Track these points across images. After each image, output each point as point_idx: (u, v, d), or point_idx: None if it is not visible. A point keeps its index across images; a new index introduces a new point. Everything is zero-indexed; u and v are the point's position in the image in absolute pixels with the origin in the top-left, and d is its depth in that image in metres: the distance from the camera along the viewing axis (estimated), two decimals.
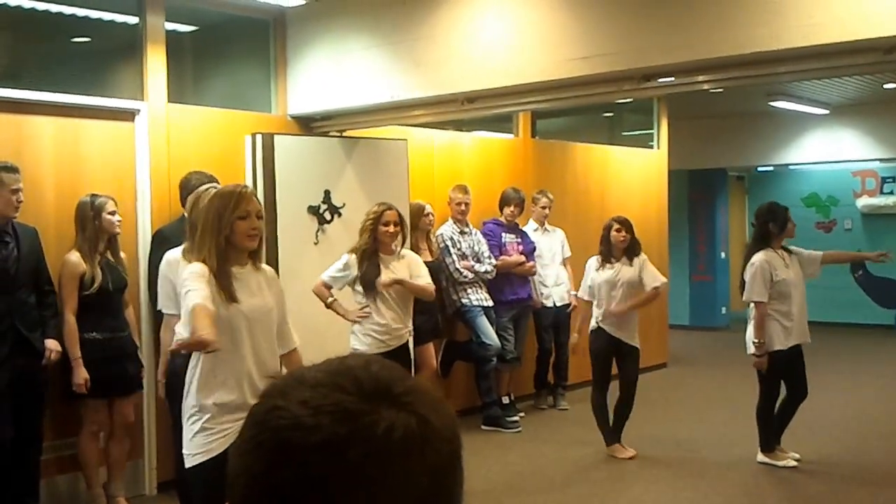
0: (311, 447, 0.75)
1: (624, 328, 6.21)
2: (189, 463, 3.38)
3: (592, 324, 6.26)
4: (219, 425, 3.31)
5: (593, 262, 6.28)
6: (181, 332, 3.29)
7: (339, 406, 0.77)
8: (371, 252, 5.27)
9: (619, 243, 6.18)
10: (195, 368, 3.37)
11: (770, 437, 6.01)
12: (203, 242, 3.38)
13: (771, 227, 5.96)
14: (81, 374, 4.88)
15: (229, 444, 3.16)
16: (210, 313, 3.17)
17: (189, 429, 3.39)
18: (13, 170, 4.67)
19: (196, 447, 3.34)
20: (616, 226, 6.19)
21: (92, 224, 4.95)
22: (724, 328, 12.79)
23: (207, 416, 3.32)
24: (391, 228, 5.25)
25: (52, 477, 5.13)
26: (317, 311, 5.37)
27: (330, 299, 5.33)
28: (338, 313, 5.35)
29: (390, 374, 0.82)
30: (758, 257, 5.88)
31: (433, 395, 0.83)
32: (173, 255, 4.26)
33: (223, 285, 3.35)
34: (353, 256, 5.30)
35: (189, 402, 3.39)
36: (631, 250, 6.21)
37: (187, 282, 3.29)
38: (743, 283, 5.98)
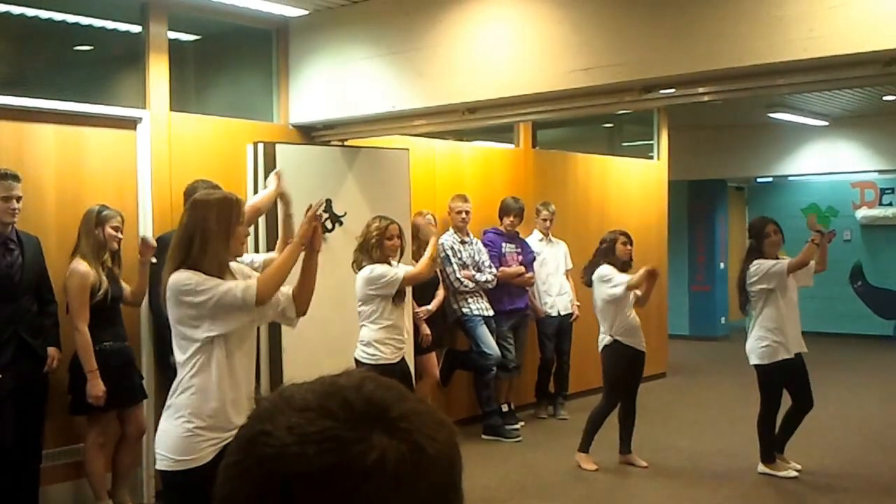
0: (296, 477, 0.72)
1: (639, 334, 6.17)
2: (169, 466, 3.21)
3: (607, 339, 6.09)
4: (209, 432, 3.20)
5: (612, 269, 6.08)
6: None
7: (326, 434, 0.73)
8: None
9: (625, 255, 6.16)
10: (190, 373, 3.25)
11: (770, 447, 5.98)
12: (205, 252, 3.26)
13: (753, 242, 6.01)
14: (99, 387, 4.79)
15: (215, 455, 3.12)
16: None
17: (175, 431, 3.23)
18: (9, 177, 4.63)
19: (181, 452, 3.20)
20: (622, 238, 6.16)
21: (94, 233, 4.93)
22: (723, 338, 12.79)
23: (199, 422, 3.21)
24: (395, 242, 5.28)
25: (56, 484, 5.12)
26: (320, 316, 5.36)
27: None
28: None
29: (387, 394, 0.78)
30: (756, 262, 5.89)
31: (434, 419, 0.78)
32: None
33: None
34: None
35: (180, 401, 3.24)
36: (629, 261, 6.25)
37: (217, 285, 3.23)
38: (744, 298, 5.98)
